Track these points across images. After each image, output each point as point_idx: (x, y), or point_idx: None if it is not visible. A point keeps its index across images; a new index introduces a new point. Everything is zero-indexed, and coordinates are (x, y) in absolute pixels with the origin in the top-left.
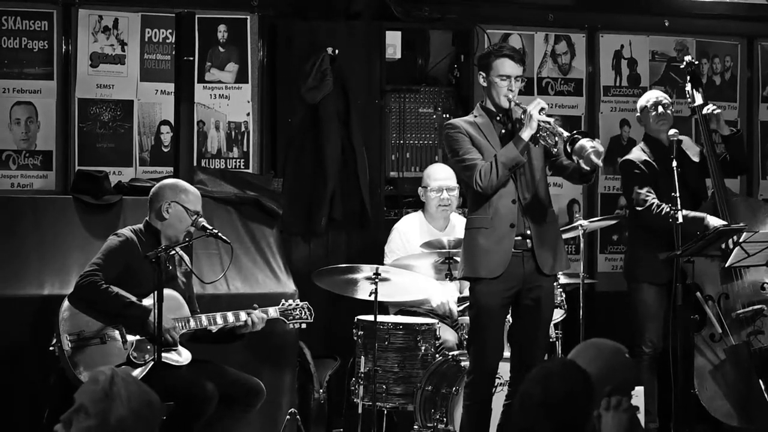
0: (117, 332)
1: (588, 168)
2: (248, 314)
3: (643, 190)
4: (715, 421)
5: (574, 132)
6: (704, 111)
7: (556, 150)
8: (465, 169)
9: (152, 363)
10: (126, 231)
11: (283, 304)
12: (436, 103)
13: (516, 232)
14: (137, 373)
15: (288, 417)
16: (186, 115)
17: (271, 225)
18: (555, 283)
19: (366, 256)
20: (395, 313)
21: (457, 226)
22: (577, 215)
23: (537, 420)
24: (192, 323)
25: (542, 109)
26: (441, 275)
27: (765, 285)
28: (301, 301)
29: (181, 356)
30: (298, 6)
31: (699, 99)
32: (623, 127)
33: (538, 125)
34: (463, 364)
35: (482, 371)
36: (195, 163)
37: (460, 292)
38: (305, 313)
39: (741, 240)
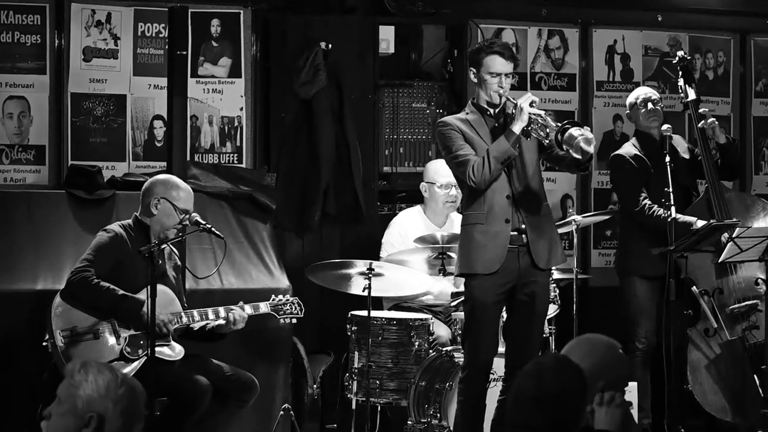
0: (110, 328)
1: (580, 156)
2: (228, 311)
3: (635, 188)
4: (708, 416)
5: (565, 122)
6: (700, 124)
7: (548, 142)
8: (458, 165)
9: (145, 358)
10: (115, 226)
11: (273, 300)
12: (429, 98)
13: (511, 227)
14: (130, 368)
15: (281, 412)
16: (179, 110)
17: (264, 220)
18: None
19: (359, 251)
20: (389, 309)
21: (455, 222)
22: (570, 210)
23: (531, 415)
24: (184, 319)
25: (533, 102)
26: (434, 270)
27: (759, 280)
28: (294, 296)
29: (174, 351)
30: (292, 0)
31: (692, 94)
32: (616, 122)
33: (529, 118)
34: (456, 359)
35: (477, 366)
36: (188, 158)
37: (455, 287)
38: (295, 308)
39: (734, 235)
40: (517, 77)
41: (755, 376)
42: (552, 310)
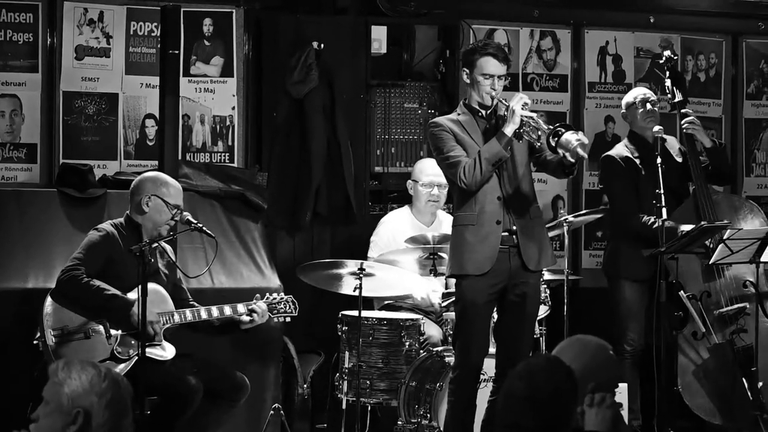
0: (101, 327)
1: (573, 160)
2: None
3: (623, 191)
4: (698, 417)
5: (557, 125)
6: (682, 126)
7: (539, 144)
8: (449, 166)
9: (136, 358)
10: (106, 225)
11: (267, 298)
12: (421, 98)
13: (502, 229)
14: (121, 368)
15: (272, 412)
16: (171, 109)
17: (255, 219)
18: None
19: (351, 251)
20: (380, 309)
21: (444, 222)
22: (561, 211)
23: (522, 415)
24: (176, 317)
25: (525, 104)
26: (425, 271)
27: (747, 282)
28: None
29: (165, 351)
30: (284, 0)
31: (678, 96)
32: (608, 123)
33: (521, 120)
34: (447, 359)
35: (467, 367)
36: (180, 157)
37: (446, 288)
38: (290, 306)
39: (725, 237)
40: (509, 78)
41: (744, 379)
42: (543, 311)
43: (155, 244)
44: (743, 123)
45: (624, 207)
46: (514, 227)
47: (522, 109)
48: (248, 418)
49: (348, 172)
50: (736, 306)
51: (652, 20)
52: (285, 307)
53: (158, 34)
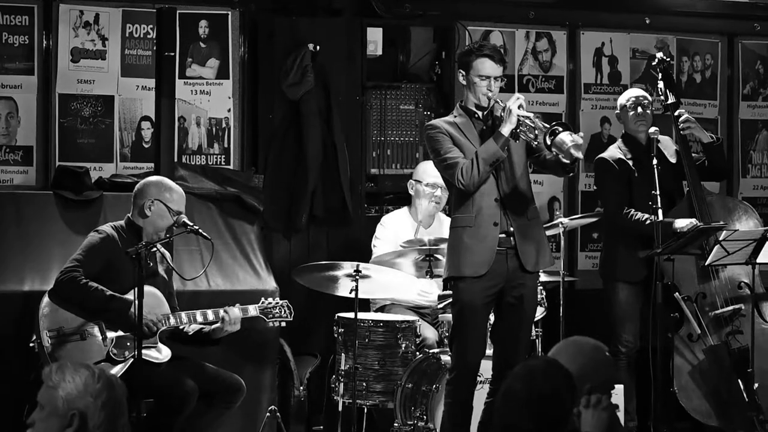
0: (97, 329)
1: (568, 161)
2: (225, 311)
3: (617, 192)
4: (693, 420)
5: (554, 123)
6: (680, 123)
7: (536, 144)
8: (447, 167)
9: (132, 360)
10: (107, 228)
11: (262, 303)
12: (417, 100)
13: (499, 230)
14: (116, 370)
15: (268, 414)
16: (167, 111)
17: (251, 221)
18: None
19: (347, 253)
20: (376, 310)
21: (444, 223)
22: (557, 213)
23: (520, 417)
24: (172, 320)
25: (521, 104)
26: (422, 273)
27: (742, 284)
28: (281, 298)
29: (161, 353)
30: (280, 2)
31: (671, 97)
32: (604, 124)
33: (518, 120)
34: (443, 361)
35: (464, 369)
36: (176, 159)
37: (441, 289)
38: (285, 311)
39: (721, 238)
40: (505, 80)
41: (740, 380)
42: (539, 312)
43: (153, 248)
44: (739, 124)
45: (616, 208)
46: (512, 229)
47: (518, 108)
48: (244, 420)
49: (344, 174)
50: (731, 307)
51: (647, 21)
52: (280, 312)
53: (154, 36)
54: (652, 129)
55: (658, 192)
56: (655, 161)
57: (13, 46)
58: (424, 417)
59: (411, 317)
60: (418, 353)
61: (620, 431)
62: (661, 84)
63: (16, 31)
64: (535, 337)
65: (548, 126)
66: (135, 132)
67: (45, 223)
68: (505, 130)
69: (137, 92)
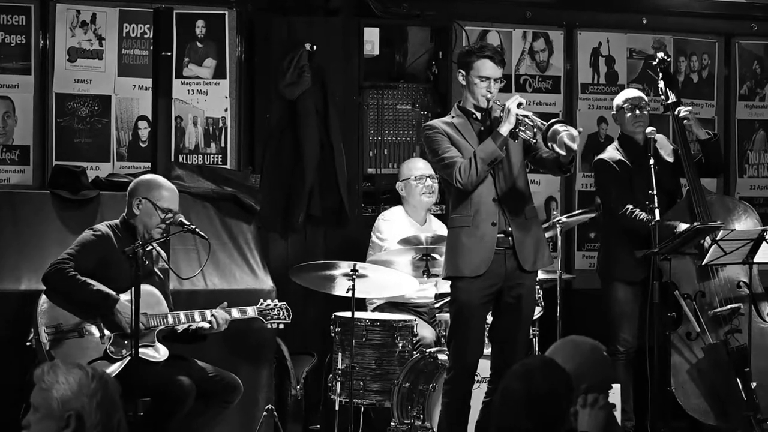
0: (94, 326)
1: (563, 153)
2: (212, 314)
3: (618, 191)
4: (691, 418)
5: (552, 121)
6: (681, 117)
7: (534, 142)
8: (445, 167)
9: (129, 358)
10: (102, 226)
11: (261, 304)
12: (414, 100)
13: (498, 230)
14: (114, 368)
15: (265, 413)
16: (164, 111)
17: (248, 221)
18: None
19: (344, 252)
20: (373, 310)
21: (434, 223)
22: (554, 212)
23: (518, 416)
24: (170, 319)
25: (520, 103)
26: (419, 272)
27: (741, 283)
28: (278, 297)
29: (159, 352)
30: (277, 2)
31: (672, 97)
32: (601, 124)
33: (517, 119)
34: (440, 360)
35: (462, 368)
36: (172, 159)
37: (437, 288)
38: (283, 313)
39: (718, 238)
40: (504, 82)
41: (738, 379)
42: (536, 311)
43: (149, 247)
44: (736, 124)
45: (617, 208)
46: (510, 228)
47: (517, 108)
48: (241, 419)
49: (341, 174)
50: (729, 306)
51: (644, 21)
52: (278, 314)
53: (151, 36)
54: (650, 129)
55: (655, 192)
56: (652, 161)
57: (10, 46)
58: (421, 416)
59: (408, 316)
60: (415, 352)
61: (617, 430)
62: (661, 84)
63: (13, 31)
64: (532, 337)
65: (546, 124)
66: (132, 131)
67: (42, 222)
68: (504, 129)
69: (134, 92)
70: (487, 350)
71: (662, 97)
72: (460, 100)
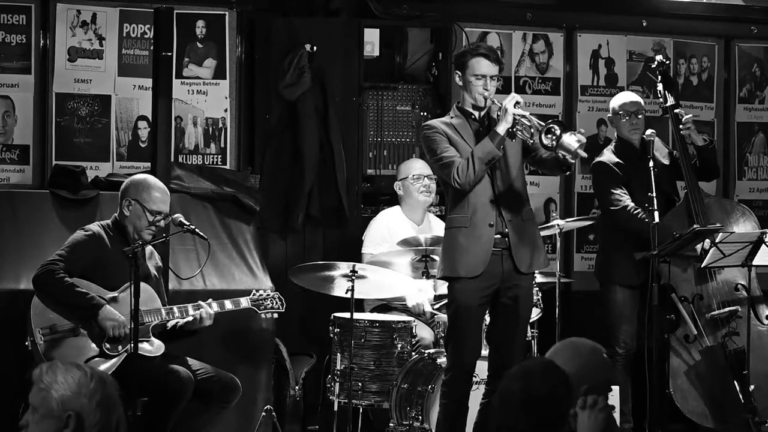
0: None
1: (573, 161)
2: (197, 309)
3: (618, 191)
4: (689, 421)
5: (549, 122)
6: (681, 124)
7: (532, 142)
8: (443, 167)
9: (125, 354)
10: (93, 226)
11: (254, 294)
12: (413, 101)
13: (495, 231)
14: (110, 364)
15: (263, 414)
16: (164, 111)
17: (248, 221)
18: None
19: (343, 253)
20: (371, 311)
21: (433, 222)
22: (553, 214)
23: (517, 417)
24: (164, 314)
25: (517, 103)
26: (418, 273)
27: (739, 286)
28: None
29: (153, 347)
30: (277, 2)
31: (671, 99)
32: (600, 126)
33: (514, 119)
34: (439, 362)
35: (460, 369)
36: (172, 159)
37: (435, 290)
38: (276, 302)
39: (717, 240)
40: (501, 81)
41: (735, 382)
42: (535, 313)
43: (148, 247)
44: (735, 127)
45: (615, 205)
46: (507, 229)
47: (514, 107)
48: (240, 419)
49: (340, 175)
50: (727, 309)
51: (644, 24)
52: (272, 303)
53: (151, 36)
54: (648, 131)
55: (654, 194)
56: (651, 163)
57: (11, 45)
58: (420, 417)
59: (407, 317)
60: (413, 353)
61: None
62: (660, 86)
63: (13, 30)
64: (530, 339)
65: (544, 124)
66: (132, 131)
67: (41, 222)
68: (501, 128)
69: (134, 92)
70: (485, 351)
71: (661, 99)
72: (459, 100)
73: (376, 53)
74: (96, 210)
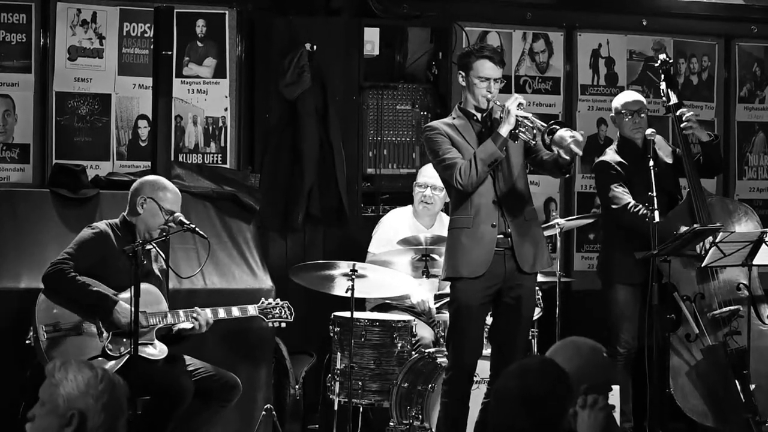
0: (93, 324)
1: (568, 158)
2: (195, 315)
3: (619, 190)
4: (690, 419)
5: (552, 122)
6: (682, 122)
7: (534, 143)
8: (445, 168)
9: (128, 356)
10: (101, 224)
11: (262, 303)
12: (413, 100)
13: (497, 231)
14: (111, 365)
15: (264, 413)
16: (164, 110)
17: (248, 220)
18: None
19: (343, 252)
20: (371, 310)
21: (446, 224)
22: (554, 213)
23: (514, 416)
24: (169, 318)
25: (520, 104)
26: (418, 272)
27: (740, 285)
28: (277, 296)
29: (157, 350)
30: (277, 1)
31: (674, 98)
32: (600, 125)
33: (516, 120)
34: (439, 361)
35: (460, 369)
36: (172, 158)
37: (438, 290)
38: (285, 312)
39: (717, 240)
40: (504, 82)
41: (736, 381)
42: (535, 312)
43: (149, 247)
44: (736, 126)
45: (617, 203)
46: (509, 230)
47: (517, 108)
48: (240, 418)
49: (340, 174)
50: (728, 308)
51: (644, 23)
52: (280, 312)
53: (151, 35)
54: (649, 130)
55: (654, 194)
56: (651, 162)
57: (11, 44)
58: (420, 416)
59: (407, 317)
60: (413, 353)
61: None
62: (663, 85)
63: (13, 29)
64: (531, 338)
65: (546, 125)
66: (132, 130)
67: (41, 220)
68: (504, 130)
69: (134, 91)
70: (487, 351)
71: (663, 98)
72: (461, 101)
73: (376, 52)
74: (96, 209)
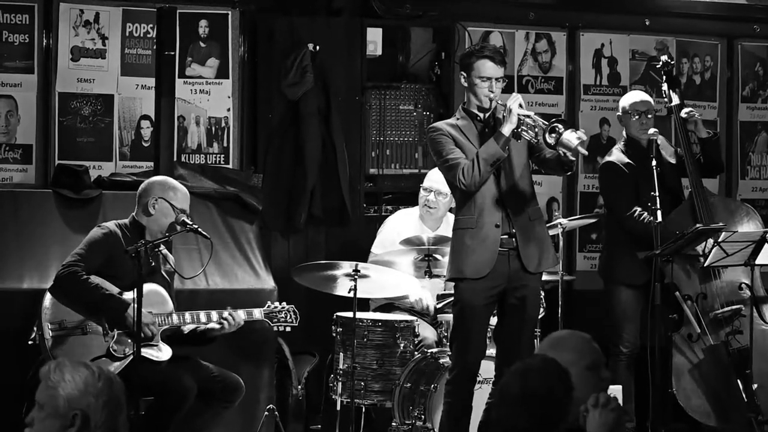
0: (98, 324)
1: (573, 158)
2: (222, 316)
3: (628, 200)
4: (692, 419)
5: (553, 120)
6: (682, 114)
7: (536, 142)
8: (449, 168)
9: (131, 357)
10: (110, 224)
11: (268, 306)
12: (416, 100)
13: (501, 231)
14: (116, 366)
15: (266, 413)
16: (166, 110)
17: (250, 221)
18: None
19: (345, 252)
20: (375, 310)
21: (451, 226)
22: (556, 213)
23: (516, 414)
24: (174, 319)
25: (521, 103)
26: (420, 273)
27: (743, 285)
28: (280, 297)
29: (162, 352)
30: (280, 2)
31: (675, 99)
32: (603, 125)
33: (519, 119)
34: (441, 361)
35: (464, 369)
36: (175, 158)
37: (443, 290)
38: (290, 316)
39: (720, 240)
40: (506, 81)
41: (739, 381)
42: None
43: (157, 249)
44: (738, 126)
45: (625, 211)
46: (513, 230)
47: (518, 108)
48: (243, 419)
49: (343, 174)
50: (731, 308)
51: (647, 23)
52: (286, 316)
53: (154, 36)
54: (652, 130)
55: (657, 193)
56: (654, 162)
57: (14, 45)
58: (422, 417)
59: (410, 317)
60: (416, 353)
61: None
62: (665, 86)
63: (16, 30)
64: (535, 338)
65: (548, 123)
66: (134, 131)
67: (44, 221)
68: (506, 129)
69: (137, 91)
70: (491, 351)
71: (665, 99)
72: (464, 102)
73: (379, 52)
74: (99, 209)
